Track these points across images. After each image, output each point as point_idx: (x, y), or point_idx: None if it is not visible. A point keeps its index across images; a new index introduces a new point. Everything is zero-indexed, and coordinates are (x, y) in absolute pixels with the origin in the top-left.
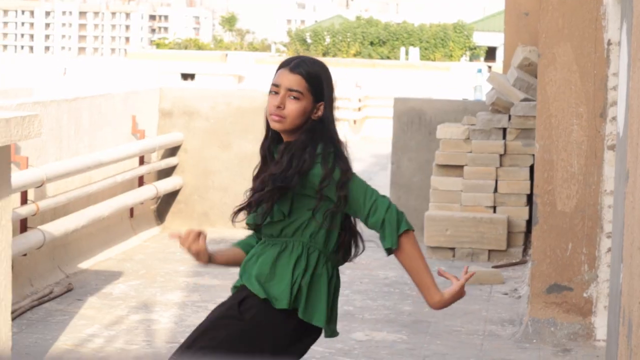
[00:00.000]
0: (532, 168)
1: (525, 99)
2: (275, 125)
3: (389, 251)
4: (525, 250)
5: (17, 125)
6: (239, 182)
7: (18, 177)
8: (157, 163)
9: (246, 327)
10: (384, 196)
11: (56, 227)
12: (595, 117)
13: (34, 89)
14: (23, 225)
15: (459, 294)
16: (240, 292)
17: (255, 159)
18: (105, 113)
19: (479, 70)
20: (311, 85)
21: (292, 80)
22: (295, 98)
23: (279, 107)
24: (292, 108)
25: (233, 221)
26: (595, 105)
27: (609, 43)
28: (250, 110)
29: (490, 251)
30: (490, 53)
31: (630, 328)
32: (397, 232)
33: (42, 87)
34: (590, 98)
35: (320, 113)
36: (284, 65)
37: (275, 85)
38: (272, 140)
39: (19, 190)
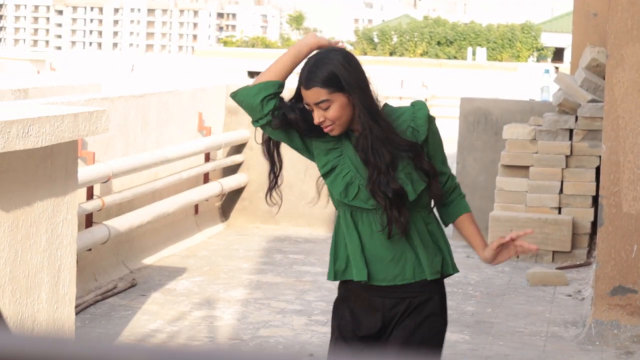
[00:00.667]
0: (598, 169)
1: (593, 100)
2: (334, 134)
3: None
4: (589, 252)
5: (84, 121)
6: (304, 180)
7: (84, 172)
8: (222, 160)
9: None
10: None
11: (121, 223)
12: None
13: (102, 85)
14: (88, 220)
15: (507, 251)
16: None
17: None
18: (172, 110)
19: (547, 71)
20: (330, 87)
21: (312, 96)
22: (326, 109)
23: (322, 122)
24: (331, 114)
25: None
26: None
27: None
28: None
29: (554, 252)
30: (558, 54)
31: None
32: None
33: (110, 84)
34: None
35: (355, 102)
36: (299, 83)
37: (307, 104)
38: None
39: (85, 185)
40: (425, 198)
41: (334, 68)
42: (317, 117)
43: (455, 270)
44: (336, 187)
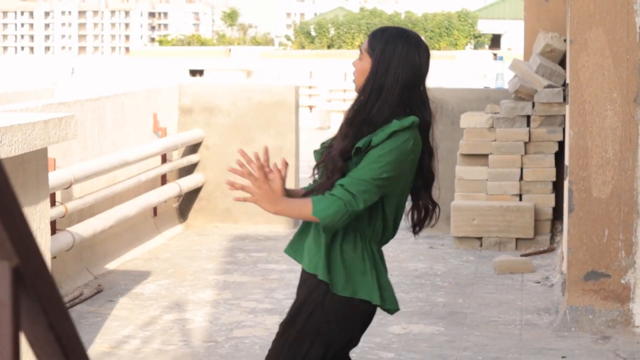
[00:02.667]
0: (557, 155)
1: (549, 86)
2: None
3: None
4: (552, 238)
5: (54, 127)
6: None
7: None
8: (179, 160)
9: None
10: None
11: (84, 228)
12: (629, 102)
13: (53, 90)
14: (52, 227)
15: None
16: None
17: (276, 153)
18: (128, 112)
19: (500, 58)
20: (370, 46)
21: (364, 44)
22: (359, 59)
23: (354, 65)
24: (359, 67)
25: None
26: (628, 90)
27: None
28: (272, 105)
29: (517, 240)
30: (495, 40)
31: None
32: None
33: (61, 88)
34: (624, 83)
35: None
36: None
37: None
38: None
39: (49, 192)
40: None
41: (388, 37)
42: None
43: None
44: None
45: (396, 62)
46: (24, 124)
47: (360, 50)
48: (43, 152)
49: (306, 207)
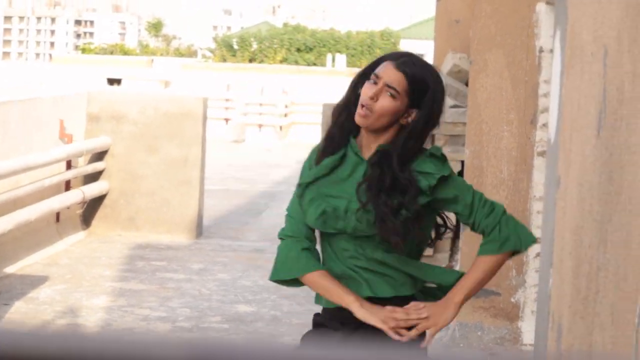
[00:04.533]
0: (460, 174)
1: (455, 106)
2: (358, 120)
3: None
4: (452, 256)
5: None
6: (166, 187)
7: None
8: (83, 167)
9: None
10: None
11: None
12: (525, 124)
13: None
14: None
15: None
16: None
17: (181, 164)
18: (33, 117)
19: None
20: (412, 88)
21: (393, 76)
22: (391, 95)
23: (372, 98)
24: (384, 105)
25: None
26: (525, 112)
27: (541, 50)
28: (179, 115)
29: None
30: None
31: (560, 332)
32: None
33: None
34: (521, 105)
35: (409, 119)
36: (390, 58)
37: (376, 75)
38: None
39: None
40: None
41: (430, 82)
42: (371, 93)
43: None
44: None
45: (437, 106)
46: None
47: (392, 87)
48: None
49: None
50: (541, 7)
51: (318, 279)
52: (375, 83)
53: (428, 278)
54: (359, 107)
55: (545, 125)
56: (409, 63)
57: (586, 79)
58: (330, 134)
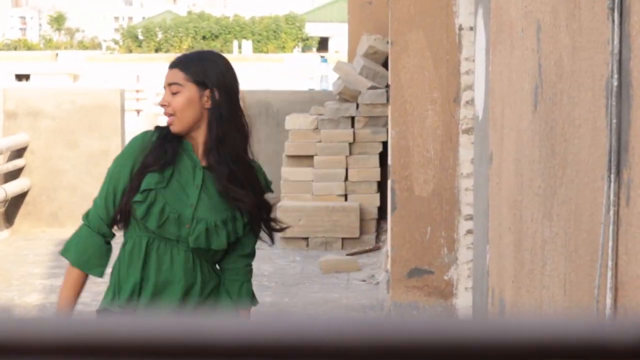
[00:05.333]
0: (381, 155)
1: (373, 87)
2: (173, 129)
3: None
4: (378, 237)
5: None
6: (87, 181)
7: None
8: (3, 165)
9: None
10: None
11: None
12: (449, 102)
13: None
14: None
15: None
16: None
17: (102, 157)
18: None
19: (324, 60)
20: (189, 74)
21: (169, 75)
22: (176, 91)
23: (167, 104)
24: (179, 103)
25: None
26: (448, 91)
27: (461, 28)
28: (95, 108)
29: (343, 239)
30: (323, 43)
31: (503, 307)
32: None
33: None
34: (444, 83)
35: (208, 98)
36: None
37: (165, 85)
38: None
39: None
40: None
41: (207, 61)
42: (163, 99)
43: None
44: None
45: (230, 82)
46: None
47: (172, 83)
48: None
49: None
50: None
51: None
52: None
53: None
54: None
55: (469, 102)
56: (178, 59)
57: (517, 55)
58: (163, 149)
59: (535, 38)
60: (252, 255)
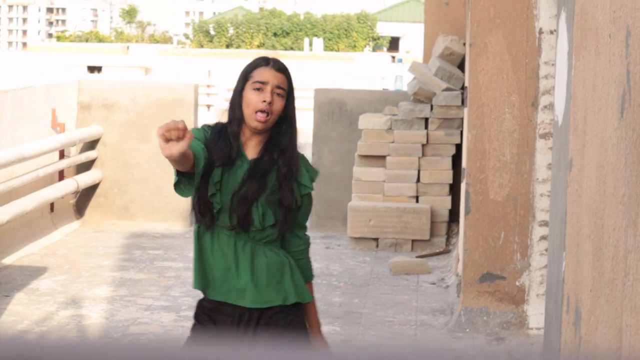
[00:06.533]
0: (454, 158)
1: (448, 89)
2: (258, 125)
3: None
4: (448, 240)
5: None
6: (159, 175)
7: None
8: (76, 157)
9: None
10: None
11: None
12: (527, 106)
13: None
14: None
15: None
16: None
17: None
18: (26, 106)
19: (400, 60)
20: (289, 85)
21: (279, 78)
22: (280, 95)
23: (269, 103)
24: (277, 107)
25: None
26: (527, 94)
27: (541, 32)
28: (170, 102)
29: (413, 241)
30: (394, 43)
31: (579, 316)
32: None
33: None
34: (522, 87)
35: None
36: (263, 63)
37: (260, 82)
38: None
39: None
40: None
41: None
42: (269, 97)
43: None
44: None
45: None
46: None
47: (281, 87)
48: None
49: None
50: None
51: None
52: (260, 89)
53: None
54: (254, 114)
55: (547, 107)
56: (283, 65)
57: (603, 61)
58: (228, 146)
59: (624, 44)
60: (304, 231)
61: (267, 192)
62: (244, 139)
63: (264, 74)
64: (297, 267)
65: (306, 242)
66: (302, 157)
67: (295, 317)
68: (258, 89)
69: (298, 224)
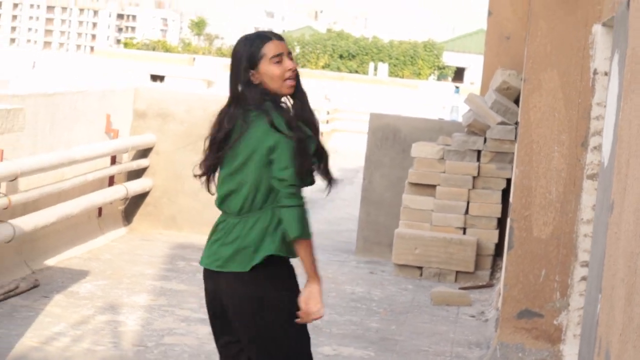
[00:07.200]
0: (504, 192)
1: (502, 123)
2: (292, 90)
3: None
4: (492, 274)
5: (1, 118)
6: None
7: None
8: (128, 163)
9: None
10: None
11: (26, 222)
12: (576, 146)
13: (9, 81)
14: None
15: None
16: None
17: None
18: (81, 110)
19: (457, 91)
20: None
21: (285, 45)
22: (291, 59)
23: (294, 69)
24: (295, 66)
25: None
26: (577, 134)
27: (595, 72)
28: None
29: (457, 272)
30: (459, 73)
31: (608, 359)
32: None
33: (17, 80)
34: (573, 126)
35: None
36: (266, 39)
37: (277, 55)
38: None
39: None
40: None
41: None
42: (291, 64)
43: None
44: None
45: None
46: None
47: (290, 52)
48: None
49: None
50: (597, 29)
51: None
52: (279, 61)
53: None
54: (284, 82)
55: (596, 148)
56: (276, 33)
57: None
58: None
59: None
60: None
61: None
62: None
63: (275, 47)
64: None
65: None
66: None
67: None
68: (278, 62)
69: None
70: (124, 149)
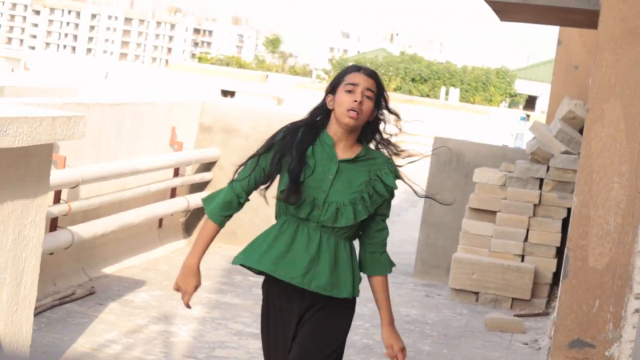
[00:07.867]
0: (565, 221)
1: (566, 152)
2: (350, 122)
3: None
4: (549, 302)
5: (62, 125)
6: (271, 205)
7: (54, 175)
8: (191, 176)
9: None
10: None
11: (85, 230)
12: (637, 177)
13: (78, 90)
14: (53, 224)
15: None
16: None
17: None
18: (146, 121)
19: (523, 118)
20: (379, 91)
21: (369, 82)
22: (369, 98)
23: (360, 102)
24: (368, 107)
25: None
26: (638, 166)
27: None
28: None
29: (513, 299)
30: (530, 102)
31: None
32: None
33: (86, 89)
34: (635, 158)
35: (373, 117)
36: (355, 70)
37: (352, 84)
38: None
39: (54, 189)
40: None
41: (383, 85)
42: (359, 97)
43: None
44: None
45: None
46: (31, 117)
47: (370, 90)
48: (48, 147)
49: None
50: None
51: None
52: (352, 91)
53: None
54: (346, 112)
55: None
56: (372, 70)
57: None
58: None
59: None
60: (385, 229)
61: (354, 190)
62: (335, 138)
63: (355, 77)
64: (378, 261)
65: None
66: (388, 159)
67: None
68: (349, 91)
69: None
70: (187, 161)
